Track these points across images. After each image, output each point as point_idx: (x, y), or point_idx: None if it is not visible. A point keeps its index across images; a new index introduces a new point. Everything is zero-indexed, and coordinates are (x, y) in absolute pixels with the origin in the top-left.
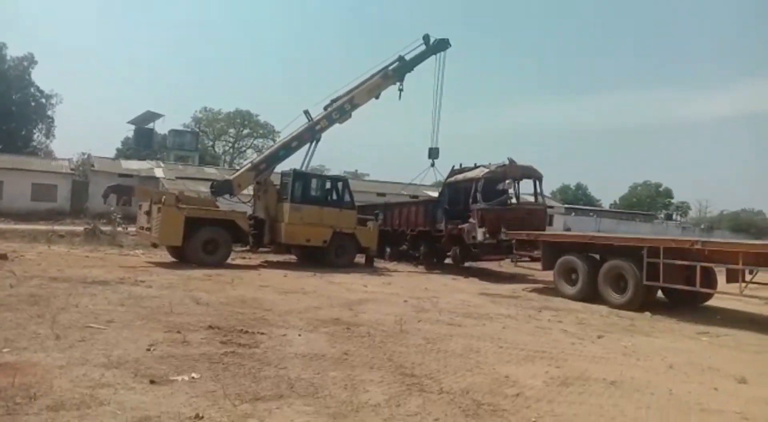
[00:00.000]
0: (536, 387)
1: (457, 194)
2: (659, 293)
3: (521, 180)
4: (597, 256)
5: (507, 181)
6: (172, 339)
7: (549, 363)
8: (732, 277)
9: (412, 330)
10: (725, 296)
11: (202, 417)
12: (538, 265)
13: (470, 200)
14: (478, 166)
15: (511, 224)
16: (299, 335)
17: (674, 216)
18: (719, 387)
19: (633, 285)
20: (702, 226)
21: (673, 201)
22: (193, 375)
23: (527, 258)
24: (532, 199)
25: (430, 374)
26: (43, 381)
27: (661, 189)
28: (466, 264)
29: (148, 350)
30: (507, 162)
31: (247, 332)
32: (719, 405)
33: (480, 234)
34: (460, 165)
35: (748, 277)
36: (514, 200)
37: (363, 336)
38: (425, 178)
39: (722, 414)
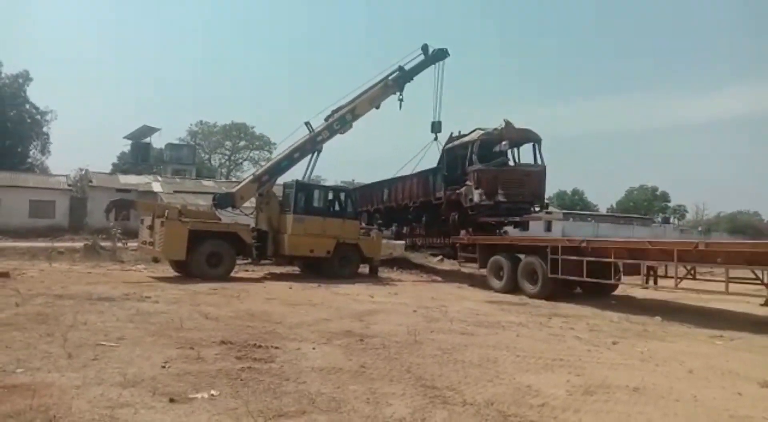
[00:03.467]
0: (560, 396)
1: (456, 160)
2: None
3: (521, 145)
4: (521, 256)
5: (503, 143)
6: (186, 356)
7: (569, 372)
8: (627, 271)
9: (427, 341)
10: (728, 299)
11: None
12: None
13: (467, 163)
14: (475, 130)
15: (509, 186)
16: (313, 348)
17: (671, 220)
18: (743, 391)
19: (541, 277)
20: (699, 229)
21: (669, 204)
22: (213, 392)
23: (464, 259)
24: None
25: (451, 385)
26: (61, 402)
27: (657, 192)
28: (467, 271)
29: (164, 367)
30: (504, 124)
31: (260, 346)
32: (747, 411)
33: (476, 195)
34: (459, 132)
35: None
36: (511, 162)
37: (378, 348)
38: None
39: (752, 419)
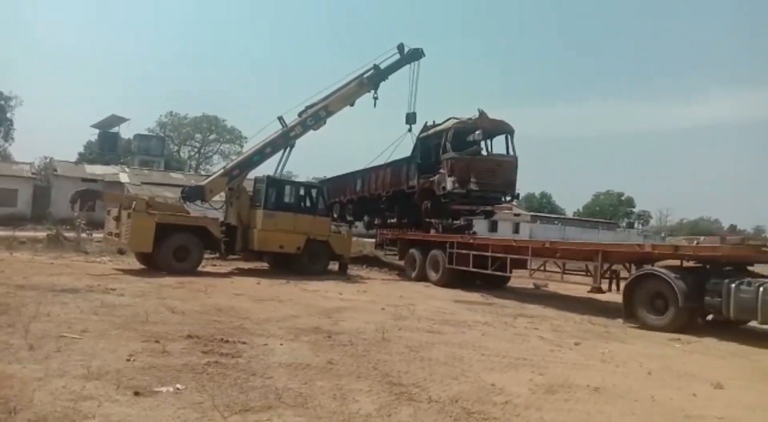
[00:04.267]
0: (523, 394)
1: (429, 149)
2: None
3: (494, 135)
4: (431, 250)
5: (477, 132)
6: (151, 349)
7: (532, 371)
8: (515, 265)
9: (394, 338)
10: None
11: None
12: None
13: (440, 151)
14: (450, 119)
15: (482, 174)
16: (281, 344)
17: (636, 225)
18: (698, 392)
19: (442, 267)
20: (662, 234)
21: (634, 210)
22: (178, 386)
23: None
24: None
25: (417, 383)
26: (22, 394)
27: (623, 198)
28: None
29: (128, 360)
30: (478, 114)
31: (227, 341)
32: (701, 411)
33: (449, 183)
34: (434, 121)
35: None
36: (484, 152)
37: (345, 345)
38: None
39: (705, 419)
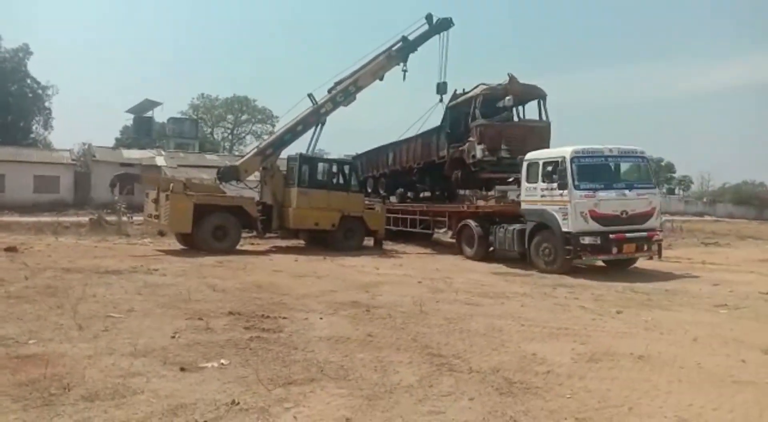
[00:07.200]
0: (565, 364)
1: (459, 117)
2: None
3: (526, 101)
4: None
5: (508, 98)
6: (195, 327)
7: (573, 340)
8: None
9: (432, 311)
10: (736, 271)
11: (238, 403)
12: None
13: (470, 119)
14: (479, 86)
15: (513, 141)
16: (321, 318)
17: (677, 191)
18: (747, 358)
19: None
20: (704, 200)
21: (674, 175)
22: (222, 361)
23: None
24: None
25: (457, 354)
26: (74, 371)
27: (663, 163)
28: None
29: (173, 337)
30: (508, 79)
31: (268, 317)
32: (750, 377)
33: (479, 151)
34: (463, 89)
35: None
36: (516, 118)
37: (384, 318)
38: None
39: (756, 385)
